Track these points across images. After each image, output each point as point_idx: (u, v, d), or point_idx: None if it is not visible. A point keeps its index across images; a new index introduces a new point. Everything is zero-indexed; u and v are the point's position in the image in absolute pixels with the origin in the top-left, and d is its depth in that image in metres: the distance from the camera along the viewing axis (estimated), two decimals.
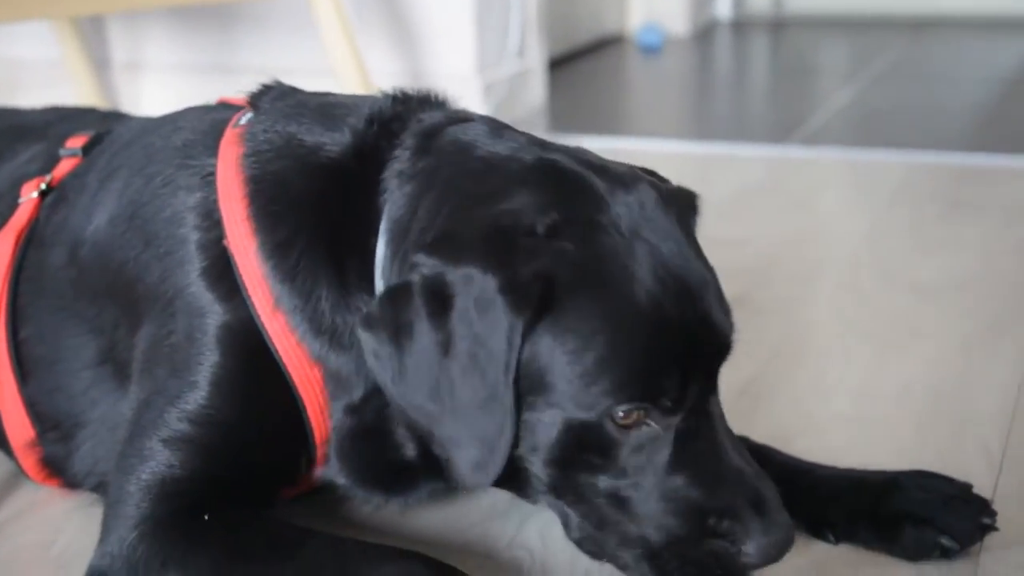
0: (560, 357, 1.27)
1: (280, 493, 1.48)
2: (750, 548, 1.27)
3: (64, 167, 1.64)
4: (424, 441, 1.36)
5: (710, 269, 1.36)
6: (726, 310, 1.35)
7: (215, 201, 1.43)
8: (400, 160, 1.41)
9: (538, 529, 1.53)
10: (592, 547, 1.35)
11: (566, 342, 1.27)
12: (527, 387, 1.28)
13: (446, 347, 1.27)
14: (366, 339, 1.32)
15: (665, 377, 1.27)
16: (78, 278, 1.54)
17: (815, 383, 1.95)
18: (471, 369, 1.27)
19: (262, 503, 1.43)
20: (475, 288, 1.26)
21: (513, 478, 1.34)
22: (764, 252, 2.61)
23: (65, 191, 1.61)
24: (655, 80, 4.94)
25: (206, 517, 1.36)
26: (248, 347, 1.40)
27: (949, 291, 2.33)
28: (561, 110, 4.10)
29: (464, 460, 1.30)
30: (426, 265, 1.29)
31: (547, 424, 1.29)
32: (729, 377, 1.92)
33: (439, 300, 1.27)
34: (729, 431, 1.34)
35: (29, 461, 1.60)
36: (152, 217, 1.47)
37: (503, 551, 1.50)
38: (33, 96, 1.88)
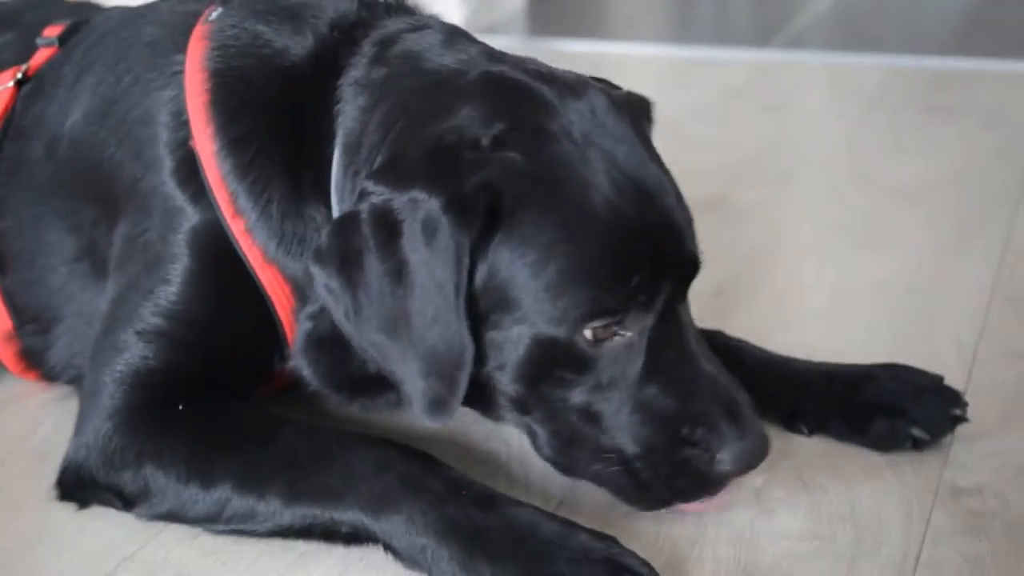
0: (521, 271, 1.24)
1: (255, 389, 1.48)
2: (724, 455, 1.26)
3: (41, 57, 1.61)
4: None
5: (668, 174, 1.33)
6: (687, 215, 1.32)
7: (184, 100, 1.41)
8: (356, 68, 1.39)
9: None
10: (565, 463, 1.33)
11: (525, 255, 1.24)
12: (490, 305, 1.26)
13: (397, 277, 1.24)
14: (317, 274, 1.29)
15: (632, 283, 1.24)
16: (55, 174, 1.53)
17: (792, 281, 1.96)
18: (424, 298, 1.23)
19: (237, 397, 1.43)
20: (421, 211, 1.22)
21: (479, 397, 1.31)
22: (742, 154, 2.60)
23: (42, 82, 1.58)
24: None
25: (180, 408, 1.37)
26: (215, 249, 1.39)
27: (925, 193, 2.33)
28: (541, 14, 4.06)
29: (423, 397, 1.26)
30: (374, 193, 1.26)
31: (514, 341, 1.26)
32: (706, 276, 1.92)
33: (387, 228, 1.24)
34: (700, 339, 1.32)
35: (7, 353, 1.60)
36: (124, 116, 1.46)
37: (481, 443, 1.51)
38: None
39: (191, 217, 1.39)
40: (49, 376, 1.59)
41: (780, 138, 2.73)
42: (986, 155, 2.56)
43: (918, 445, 1.44)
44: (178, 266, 1.39)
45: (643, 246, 1.26)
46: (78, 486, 1.38)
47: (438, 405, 1.26)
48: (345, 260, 1.27)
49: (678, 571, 1.26)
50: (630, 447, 1.28)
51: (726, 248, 2.09)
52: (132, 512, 1.36)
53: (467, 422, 1.53)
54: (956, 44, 3.55)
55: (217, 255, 1.39)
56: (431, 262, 1.22)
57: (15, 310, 1.57)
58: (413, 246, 1.23)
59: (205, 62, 1.41)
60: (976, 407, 1.48)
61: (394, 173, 1.27)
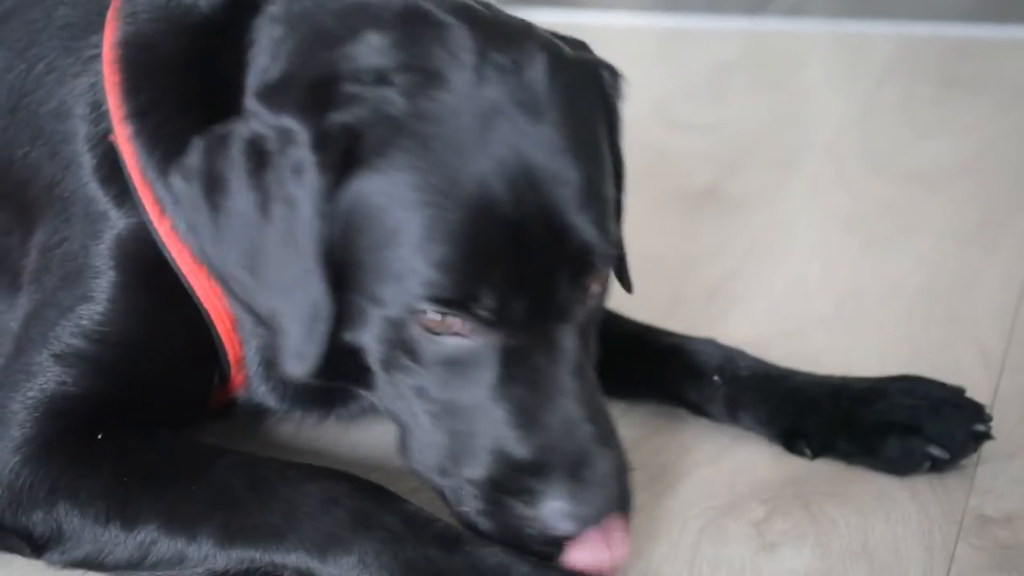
0: (365, 232, 1.23)
1: (188, 415, 1.47)
2: (542, 512, 1.21)
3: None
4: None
5: (589, 165, 1.27)
6: (591, 218, 1.25)
7: (102, 87, 1.40)
8: (276, 4, 1.38)
9: None
10: (418, 465, 1.31)
11: (370, 213, 1.23)
12: (343, 262, 1.25)
13: (263, 210, 1.24)
14: (181, 191, 1.30)
15: (483, 281, 1.21)
16: None
17: (794, 283, 1.96)
18: (286, 238, 1.23)
19: (166, 425, 1.42)
20: (291, 145, 1.23)
21: (351, 373, 1.32)
22: (739, 138, 2.60)
23: None
24: None
25: (100, 438, 1.36)
26: (143, 258, 1.38)
27: (944, 179, 2.34)
28: None
29: (283, 344, 1.27)
30: (252, 112, 1.27)
31: (362, 309, 1.26)
32: (699, 277, 1.95)
33: (257, 155, 1.25)
34: (582, 373, 1.26)
35: None
36: (37, 109, 1.45)
37: None
38: None
39: (115, 223, 1.38)
40: None
41: (780, 119, 2.73)
42: (1011, 135, 2.57)
43: (938, 467, 1.45)
44: (102, 280, 1.38)
45: (508, 239, 1.22)
46: None
47: (298, 354, 1.26)
48: (211, 183, 1.27)
49: None
50: (467, 471, 1.26)
51: (720, 245, 2.09)
52: (42, 558, 1.34)
53: None
54: (979, 10, 3.56)
55: (145, 265, 1.38)
56: (295, 200, 1.22)
57: None
58: (279, 181, 1.23)
59: (115, 39, 1.40)
60: (1004, 422, 1.49)
61: (277, 95, 1.27)
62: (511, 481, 1.23)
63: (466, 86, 1.24)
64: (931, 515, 1.39)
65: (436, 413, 1.27)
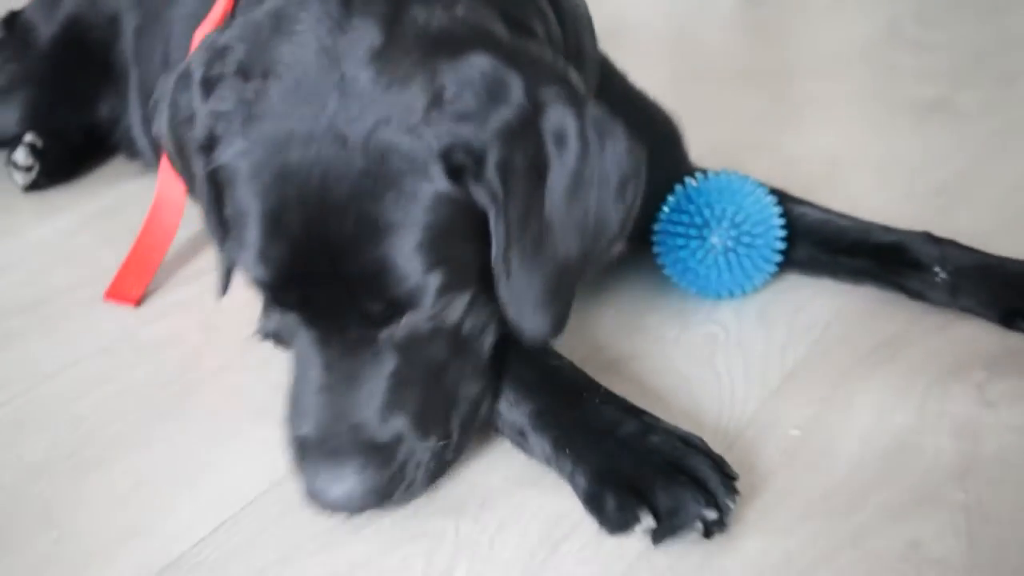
0: (227, 203, 1.17)
1: None
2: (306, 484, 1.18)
3: None
4: None
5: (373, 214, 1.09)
6: (369, 257, 1.10)
7: None
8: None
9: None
10: None
11: (225, 187, 1.16)
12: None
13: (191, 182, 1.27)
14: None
15: (283, 276, 1.13)
16: None
17: (1017, 183, 1.90)
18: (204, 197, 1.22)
19: None
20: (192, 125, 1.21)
21: None
22: (964, 56, 2.51)
23: None
24: None
25: None
26: None
27: None
28: None
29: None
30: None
31: None
32: (929, 176, 1.91)
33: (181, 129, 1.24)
34: (374, 372, 1.18)
35: None
36: None
37: (700, 324, 1.53)
38: None
39: None
40: None
41: (1004, 40, 2.63)
42: None
43: None
44: None
45: (299, 260, 1.12)
46: None
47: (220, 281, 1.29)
48: (174, 97, 1.25)
49: (896, 458, 1.26)
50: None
51: (949, 150, 2.04)
52: None
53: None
54: None
55: None
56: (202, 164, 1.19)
57: None
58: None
59: None
60: None
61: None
62: (300, 452, 1.19)
63: (299, 98, 1.12)
64: None
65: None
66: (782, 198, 1.61)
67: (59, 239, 1.84)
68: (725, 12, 3.04)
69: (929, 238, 1.55)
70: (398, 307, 1.14)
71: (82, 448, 1.34)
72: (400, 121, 1.09)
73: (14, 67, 2.03)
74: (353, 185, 1.09)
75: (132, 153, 2.08)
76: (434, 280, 1.13)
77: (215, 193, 1.18)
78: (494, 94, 1.12)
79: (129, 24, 1.96)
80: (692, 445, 1.19)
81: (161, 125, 1.29)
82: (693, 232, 1.55)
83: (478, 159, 1.11)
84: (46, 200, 1.97)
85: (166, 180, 1.69)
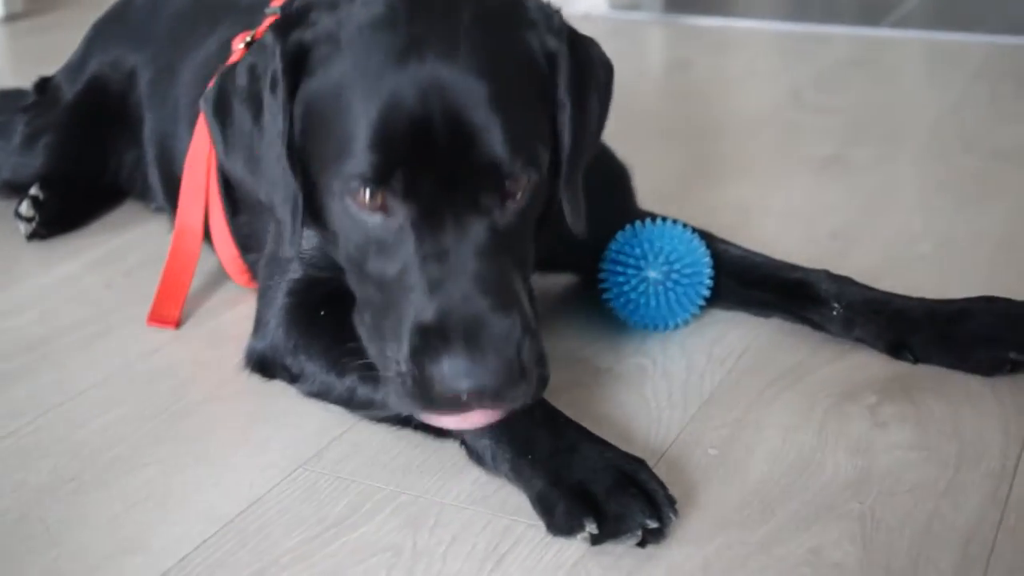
0: (314, 128, 1.19)
1: None
2: (439, 369, 1.10)
3: (267, 23, 1.64)
4: None
5: (497, 87, 1.15)
6: (491, 124, 1.13)
7: None
8: None
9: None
10: (362, 335, 1.25)
11: (316, 111, 1.19)
12: (307, 156, 1.22)
13: (256, 120, 1.24)
14: (206, 115, 1.31)
15: (396, 162, 1.13)
16: None
17: (900, 230, 1.91)
18: (269, 140, 1.22)
19: None
20: (269, 57, 1.21)
21: (333, 263, 1.30)
22: (857, 119, 2.53)
23: None
24: None
25: (322, 313, 1.39)
26: None
27: (1021, 156, 2.24)
28: None
29: (283, 233, 1.25)
30: (260, 43, 1.26)
31: (322, 196, 1.22)
32: (825, 223, 1.92)
33: (253, 75, 1.24)
34: (484, 256, 1.14)
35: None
36: None
37: (627, 357, 1.52)
38: None
39: None
40: None
41: (890, 106, 2.65)
42: None
43: (1017, 367, 1.40)
44: None
45: (416, 136, 1.13)
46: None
47: (290, 240, 1.25)
48: (219, 105, 1.29)
49: (800, 472, 1.26)
50: (389, 339, 1.17)
51: (842, 199, 2.05)
52: (295, 387, 1.41)
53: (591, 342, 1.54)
54: None
55: None
56: (273, 107, 1.21)
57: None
58: (264, 92, 1.22)
59: None
60: None
61: (274, 24, 1.25)
62: (419, 344, 1.12)
63: (400, 20, 1.18)
64: (1008, 407, 1.35)
65: (369, 290, 1.21)
66: (708, 238, 1.61)
67: (64, 283, 1.80)
68: (655, 76, 3.06)
69: (828, 276, 1.55)
70: (502, 191, 1.16)
71: (82, 472, 1.30)
72: (501, 30, 1.20)
73: (39, 121, 1.99)
74: (468, 82, 1.14)
75: (143, 194, 2.03)
76: (532, 173, 1.18)
77: (292, 126, 1.20)
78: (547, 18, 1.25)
79: (144, 76, 1.93)
80: (643, 465, 1.18)
81: (213, 97, 1.29)
82: (631, 267, 1.54)
83: (553, 62, 1.22)
84: (51, 248, 1.93)
85: (186, 208, 1.66)
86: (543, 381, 1.16)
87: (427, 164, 1.13)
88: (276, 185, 1.24)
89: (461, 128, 1.13)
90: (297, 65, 1.20)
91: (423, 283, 1.14)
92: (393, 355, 1.16)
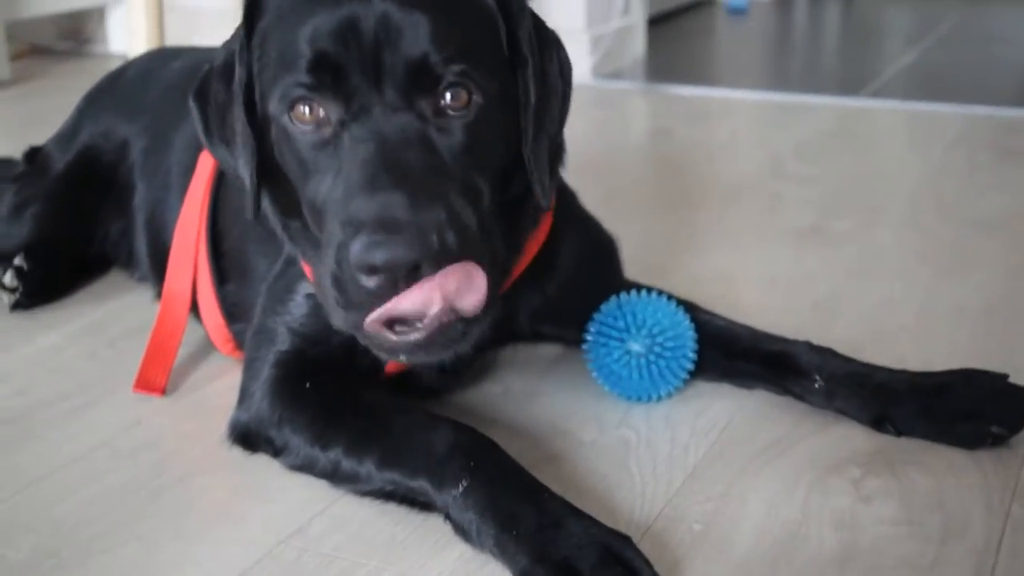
0: (263, 62, 1.27)
1: (370, 378, 1.45)
2: (355, 250, 1.12)
3: None
4: None
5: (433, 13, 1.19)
6: (420, 30, 1.18)
7: None
8: None
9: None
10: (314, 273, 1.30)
11: (264, 45, 1.27)
12: (261, 98, 1.29)
13: (228, 87, 1.32)
14: (192, 107, 1.39)
15: (326, 67, 1.19)
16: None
17: (881, 300, 1.93)
18: (236, 95, 1.30)
19: (355, 383, 1.43)
20: (238, 29, 1.31)
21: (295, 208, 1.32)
22: (836, 188, 2.56)
23: None
24: (741, 39, 4.84)
25: (307, 386, 1.41)
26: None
27: (999, 226, 2.27)
28: (659, 62, 4.05)
29: (247, 201, 1.33)
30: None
31: (275, 136, 1.28)
32: (806, 293, 1.93)
33: (229, 51, 1.33)
34: (416, 158, 1.17)
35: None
36: None
37: (612, 431, 1.52)
38: (207, 39, 1.92)
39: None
40: None
41: (869, 175, 2.68)
42: None
43: (998, 441, 1.41)
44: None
45: (336, 34, 1.19)
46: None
47: (250, 202, 1.32)
48: (201, 90, 1.38)
49: (785, 547, 1.25)
50: (327, 247, 1.19)
51: (823, 269, 2.06)
52: (278, 460, 1.41)
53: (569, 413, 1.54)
54: None
55: None
56: (240, 57, 1.29)
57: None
58: (235, 56, 1.31)
59: None
60: None
61: None
62: (341, 240, 1.15)
63: None
64: (991, 481, 1.36)
65: (316, 204, 1.23)
66: (692, 308, 1.62)
67: (46, 354, 1.79)
68: (638, 144, 3.09)
69: (809, 347, 1.55)
70: (435, 94, 1.19)
71: (62, 549, 1.28)
72: None
73: (28, 191, 1.99)
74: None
75: (128, 263, 2.03)
76: (472, 85, 1.20)
77: (250, 69, 1.28)
78: None
79: (137, 146, 1.95)
80: (628, 542, 1.17)
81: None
82: (615, 339, 1.54)
83: (510, 13, 1.27)
84: (35, 318, 1.93)
85: (175, 275, 1.67)
86: (494, 282, 1.19)
87: (355, 63, 1.18)
88: (239, 146, 1.31)
89: (388, 25, 1.18)
90: (255, 10, 1.29)
91: (352, 184, 1.17)
92: (327, 269, 1.18)
